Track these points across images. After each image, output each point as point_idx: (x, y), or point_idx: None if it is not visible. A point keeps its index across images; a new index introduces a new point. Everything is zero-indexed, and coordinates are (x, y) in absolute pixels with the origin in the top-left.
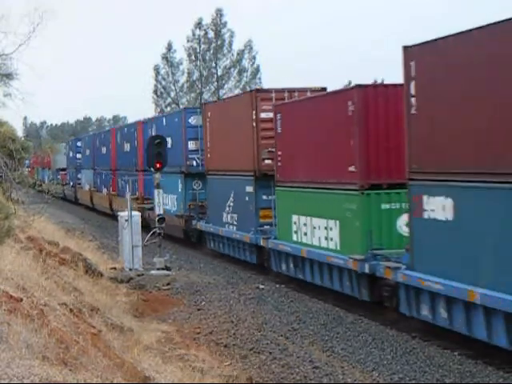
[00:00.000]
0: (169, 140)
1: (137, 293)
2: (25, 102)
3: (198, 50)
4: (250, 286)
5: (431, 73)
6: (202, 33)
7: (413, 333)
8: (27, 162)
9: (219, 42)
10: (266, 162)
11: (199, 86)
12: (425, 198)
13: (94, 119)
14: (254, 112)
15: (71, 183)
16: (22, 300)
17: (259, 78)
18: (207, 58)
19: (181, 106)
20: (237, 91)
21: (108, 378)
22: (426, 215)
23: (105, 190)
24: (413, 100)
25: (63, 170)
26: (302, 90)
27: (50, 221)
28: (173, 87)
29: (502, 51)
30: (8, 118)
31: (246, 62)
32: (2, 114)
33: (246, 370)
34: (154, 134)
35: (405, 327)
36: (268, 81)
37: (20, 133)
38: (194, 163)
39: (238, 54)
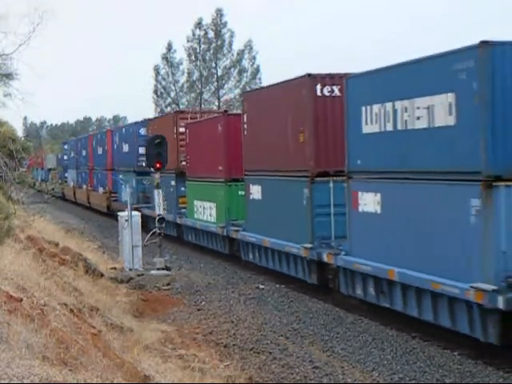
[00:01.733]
0: (126, 146)
1: (137, 293)
2: (25, 102)
3: (198, 50)
4: (250, 286)
5: (252, 110)
6: (202, 33)
7: (413, 333)
8: (24, 162)
9: (219, 42)
10: (183, 163)
11: (199, 86)
12: (250, 186)
13: (94, 119)
14: (175, 128)
15: (59, 181)
16: (22, 300)
17: (259, 78)
18: (207, 58)
19: (181, 106)
20: (237, 91)
21: (108, 378)
22: (251, 197)
23: (84, 187)
24: (245, 126)
25: (54, 169)
26: (210, 112)
27: (50, 221)
28: (173, 87)
29: (276, 100)
30: (8, 118)
31: (245, 62)
32: (2, 114)
33: (246, 370)
34: (117, 140)
35: (405, 327)
36: (268, 81)
37: (20, 133)
38: (143, 164)
39: (238, 54)
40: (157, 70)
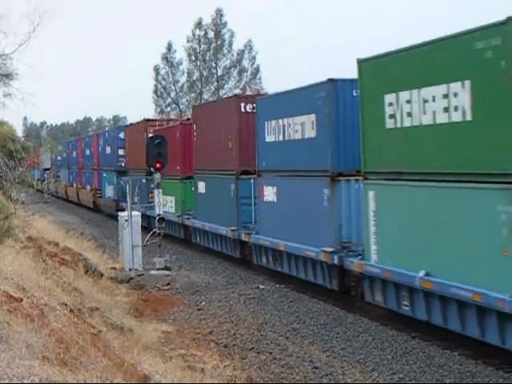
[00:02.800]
0: (109, 148)
1: (137, 293)
2: (25, 102)
3: (198, 50)
4: (249, 286)
5: (198, 120)
6: (202, 33)
7: (413, 333)
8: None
9: (219, 42)
10: None
11: (199, 86)
12: (198, 182)
13: (94, 119)
14: (145, 133)
15: (54, 180)
16: (22, 300)
17: (259, 79)
18: (207, 58)
19: (181, 106)
20: (237, 91)
21: (108, 378)
22: (198, 191)
23: (75, 185)
24: (194, 133)
25: (48, 169)
26: (176, 120)
27: (50, 220)
28: (173, 87)
29: (214, 114)
30: (8, 118)
31: (246, 62)
32: (2, 114)
33: (246, 370)
34: (102, 143)
35: (405, 327)
36: (268, 81)
37: (20, 133)
38: (123, 164)
39: (237, 54)
40: (157, 70)
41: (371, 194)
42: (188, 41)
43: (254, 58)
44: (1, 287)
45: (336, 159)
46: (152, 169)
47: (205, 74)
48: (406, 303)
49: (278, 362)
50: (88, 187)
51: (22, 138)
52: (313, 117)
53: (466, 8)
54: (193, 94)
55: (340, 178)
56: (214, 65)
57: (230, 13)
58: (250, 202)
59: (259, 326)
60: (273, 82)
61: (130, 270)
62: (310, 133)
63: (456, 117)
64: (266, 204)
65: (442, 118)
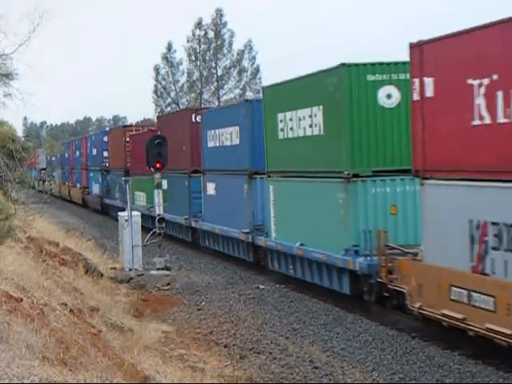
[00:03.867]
0: (95, 150)
1: (137, 293)
2: (25, 102)
3: (198, 50)
4: (249, 286)
5: (162, 128)
6: (202, 33)
7: (413, 333)
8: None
9: (219, 42)
10: (129, 164)
11: (199, 86)
12: (163, 180)
13: (94, 119)
14: (123, 138)
15: (48, 179)
16: (22, 300)
17: (259, 78)
18: (207, 58)
19: (181, 106)
20: (237, 91)
21: (108, 378)
22: (163, 187)
23: (67, 183)
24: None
25: (44, 169)
26: (150, 125)
27: (47, 219)
28: (173, 87)
29: (173, 123)
30: (8, 118)
31: (245, 62)
32: (2, 113)
33: (246, 370)
34: (89, 145)
35: (405, 327)
36: (268, 81)
37: (20, 133)
38: (107, 164)
39: (237, 54)
40: (157, 69)
41: (271, 187)
42: (188, 41)
43: (254, 58)
44: (1, 287)
45: (252, 161)
46: (152, 169)
47: (205, 74)
48: (291, 267)
49: (277, 362)
50: (78, 185)
51: (22, 138)
52: (237, 128)
53: (466, 8)
54: (193, 94)
55: (255, 176)
56: (213, 65)
57: (230, 13)
58: (200, 195)
59: (259, 326)
60: (273, 82)
61: (130, 269)
62: (236, 140)
63: (316, 131)
64: (209, 197)
65: (308, 132)
